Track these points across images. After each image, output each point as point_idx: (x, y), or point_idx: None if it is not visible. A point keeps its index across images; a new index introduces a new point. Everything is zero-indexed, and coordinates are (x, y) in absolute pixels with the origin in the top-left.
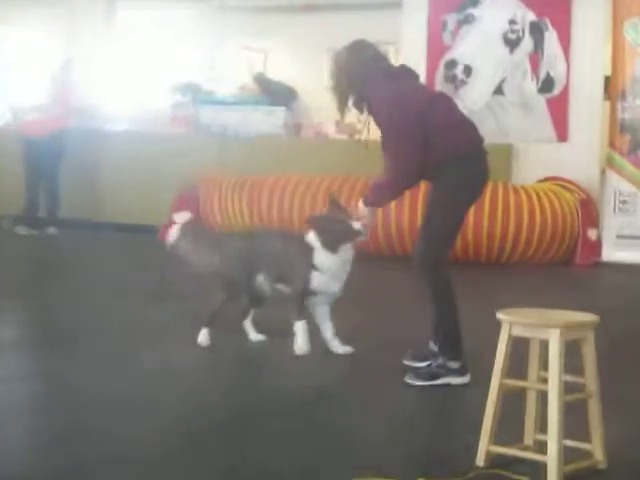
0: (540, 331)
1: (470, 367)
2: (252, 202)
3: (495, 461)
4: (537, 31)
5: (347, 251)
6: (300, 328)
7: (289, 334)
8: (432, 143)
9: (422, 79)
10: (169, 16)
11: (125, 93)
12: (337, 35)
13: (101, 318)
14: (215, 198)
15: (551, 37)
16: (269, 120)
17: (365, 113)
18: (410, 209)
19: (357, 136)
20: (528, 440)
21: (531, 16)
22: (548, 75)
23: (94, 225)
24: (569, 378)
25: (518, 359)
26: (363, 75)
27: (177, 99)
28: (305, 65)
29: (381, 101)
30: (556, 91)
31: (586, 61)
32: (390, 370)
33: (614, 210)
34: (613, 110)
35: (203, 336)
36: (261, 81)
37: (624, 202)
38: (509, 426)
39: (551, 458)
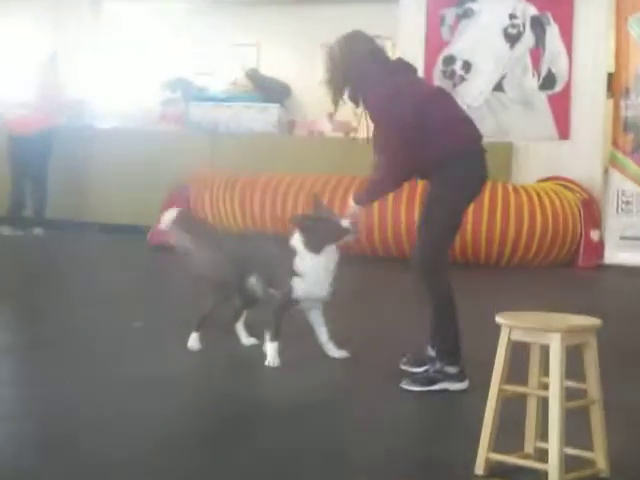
0: (541, 335)
1: (469, 372)
2: (244, 202)
3: (494, 469)
4: (538, 26)
5: (332, 253)
6: (272, 348)
7: (281, 338)
8: (430, 140)
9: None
10: (158, 9)
11: (113, 89)
12: (332, 29)
13: (87, 322)
14: (206, 198)
15: (553, 32)
16: (262, 117)
17: (361, 107)
18: (407, 209)
19: (353, 134)
20: (528, 448)
21: (532, 10)
22: (549, 71)
23: (81, 226)
24: (571, 384)
25: (518, 364)
26: (359, 68)
27: (167, 95)
28: (299, 60)
29: (377, 95)
30: (558, 88)
31: (589, 57)
32: (386, 375)
33: (617, 210)
34: (616, 108)
35: (193, 340)
36: (254, 77)
37: (627, 202)
38: (509, 433)
39: (552, 466)
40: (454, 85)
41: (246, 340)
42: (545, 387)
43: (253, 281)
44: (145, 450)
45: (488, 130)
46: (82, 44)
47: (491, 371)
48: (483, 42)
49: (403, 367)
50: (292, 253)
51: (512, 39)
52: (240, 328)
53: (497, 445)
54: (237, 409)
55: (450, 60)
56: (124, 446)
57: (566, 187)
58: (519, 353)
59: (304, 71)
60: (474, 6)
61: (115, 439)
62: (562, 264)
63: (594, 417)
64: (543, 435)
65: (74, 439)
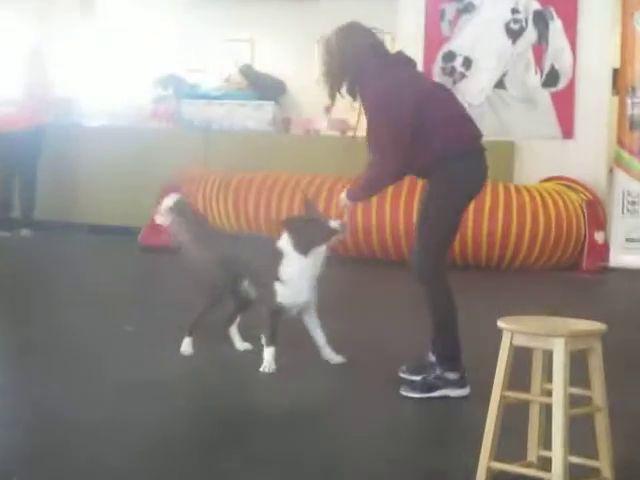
0: (544, 341)
1: (470, 379)
2: (238, 202)
3: (496, 478)
4: (541, 21)
5: (319, 255)
6: (268, 353)
7: (279, 343)
8: (428, 138)
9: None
10: (149, 3)
11: (102, 86)
12: (329, 24)
13: (76, 326)
14: (199, 198)
15: (556, 27)
16: (256, 115)
17: (358, 102)
18: (405, 211)
19: (352, 133)
20: (531, 456)
21: (535, 5)
22: (553, 68)
23: (70, 227)
24: (575, 390)
25: (520, 370)
26: (357, 60)
27: (158, 93)
28: (295, 56)
29: (375, 89)
30: (561, 85)
31: (593, 53)
32: (385, 382)
33: (622, 212)
34: (622, 105)
35: (186, 345)
36: (248, 73)
37: (633, 203)
38: (511, 441)
39: (556, 475)
40: (454, 82)
41: (240, 345)
42: (548, 394)
43: (246, 284)
44: (137, 456)
45: (489, 129)
46: (72, 41)
47: (493, 377)
48: (484, 38)
49: (402, 375)
50: (279, 256)
51: (514, 34)
52: (234, 332)
53: (499, 453)
54: (231, 415)
55: (450, 56)
56: (115, 452)
57: (570, 187)
58: (521, 359)
59: (300, 67)
60: (475, 0)
61: (106, 444)
62: (565, 267)
63: (599, 425)
64: (546, 443)
65: (64, 445)
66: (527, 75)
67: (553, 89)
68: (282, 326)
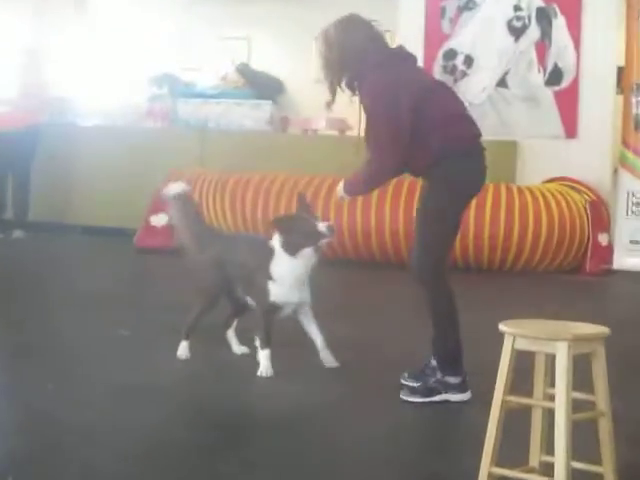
0: (546, 344)
1: (471, 383)
2: (235, 203)
3: None
4: (544, 18)
5: (309, 256)
6: (264, 356)
7: (273, 346)
8: (427, 136)
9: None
10: (144, 2)
11: (97, 85)
12: (327, 22)
13: (70, 329)
14: (195, 198)
15: (560, 25)
16: (253, 114)
17: (357, 96)
18: (405, 213)
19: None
20: (533, 462)
21: (538, 1)
22: (556, 66)
23: (63, 228)
24: (578, 395)
25: (522, 374)
26: (356, 52)
27: (153, 91)
28: (292, 55)
29: (373, 85)
30: (564, 83)
31: (597, 51)
32: (385, 386)
33: (627, 213)
34: (626, 104)
35: (183, 349)
36: (244, 72)
37: (638, 204)
38: (513, 446)
39: None
40: (455, 80)
41: (237, 348)
42: (551, 398)
43: (237, 288)
44: (133, 460)
45: (491, 128)
46: (65, 38)
47: (494, 381)
48: (486, 35)
49: (404, 381)
50: (271, 254)
51: (517, 32)
52: (231, 336)
53: (500, 459)
54: (228, 419)
55: (451, 54)
56: (111, 455)
57: (573, 188)
58: (524, 363)
59: (298, 66)
60: None
61: (102, 448)
62: (568, 269)
63: (602, 430)
64: (549, 448)
65: (59, 447)
66: (530, 73)
67: (556, 88)
68: (280, 329)
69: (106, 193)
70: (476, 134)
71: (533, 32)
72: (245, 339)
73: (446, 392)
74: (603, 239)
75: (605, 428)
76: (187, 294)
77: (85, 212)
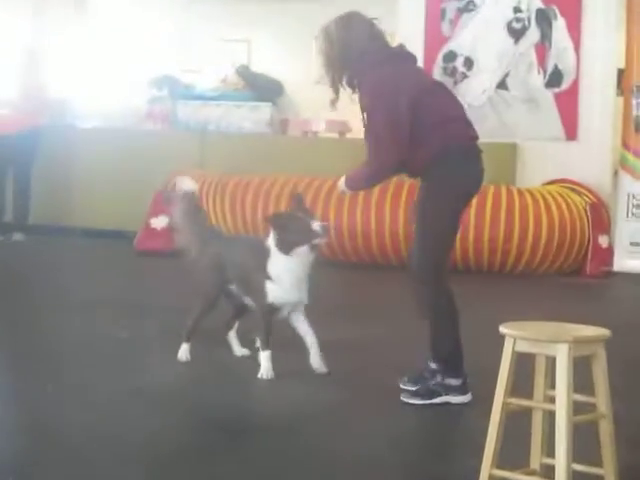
0: (547, 347)
1: (471, 385)
2: (235, 205)
3: None
4: (544, 20)
5: (304, 255)
6: (264, 358)
7: (274, 348)
8: (425, 135)
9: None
10: (144, 3)
11: (96, 87)
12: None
13: (69, 332)
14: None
15: (560, 26)
16: (253, 116)
17: (357, 94)
18: (406, 215)
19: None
20: (534, 464)
21: (538, 3)
22: (556, 68)
23: (64, 230)
24: (578, 397)
25: (523, 377)
26: (356, 49)
27: (153, 93)
28: (292, 56)
29: (372, 83)
30: (565, 85)
31: (598, 53)
32: (385, 388)
33: (627, 215)
34: (627, 106)
35: (183, 351)
36: (244, 74)
37: (638, 206)
38: (513, 449)
39: None
40: (455, 83)
41: (238, 350)
42: (552, 400)
43: (235, 289)
44: (133, 463)
45: (491, 130)
46: (64, 40)
47: (495, 383)
48: (486, 37)
49: (403, 386)
50: (267, 254)
51: (516, 34)
52: (233, 338)
53: (501, 461)
54: (228, 421)
55: (451, 56)
56: (111, 459)
57: (573, 190)
58: (524, 365)
59: (297, 68)
60: None
61: (101, 452)
62: (569, 271)
63: (603, 432)
64: (549, 450)
65: (59, 451)
66: (530, 75)
67: (556, 90)
68: (282, 330)
69: (106, 195)
70: (473, 136)
71: (533, 34)
72: (247, 341)
73: (447, 394)
74: (603, 241)
75: (606, 430)
76: (187, 296)
77: (85, 215)
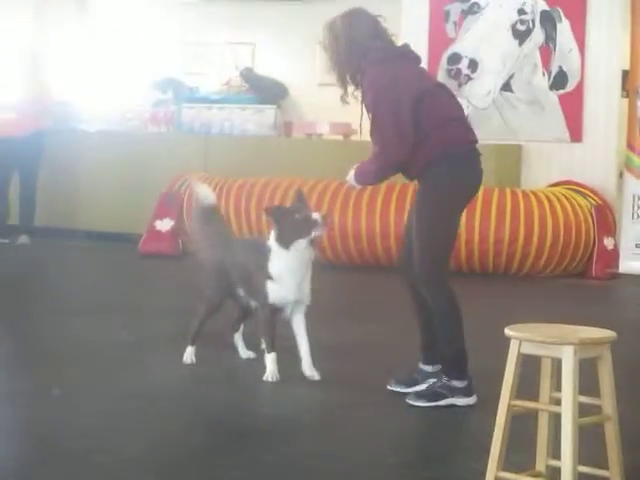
0: (552, 349)
1: (477, 387)
2: (239, 208)
3: None
4: (549, 21)
5: (303, 249)
6: (270, 360)
7: (280, 351)
8: (425, 136)
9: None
10: (148, 5)
11: (100, 90)
12: None
13: (75, 335)
14: None
15: (564, 28)
16: (257, 119)
17: (359, 90)
18: (398, 218)
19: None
20: (540, 466)
21: (542, 5)
22: (561, 69)
23: (68, 233)
24: (584, 399)
25: (529, 379)
26: (361, 45)
27: (157, 96)
28: (296, 59)
29: (374, 80)
30: (569, 87)
31: (602, 54)
32: (389, 391)
33: (632, 217)
34: (632, 107)
35: (188, 354)
36: (248, 77)
37: None
38: (519, 451)
39: None
40: (460, 85)
41: (244, 353)
42: (557, 402)
43: (241, 292)
44: (139, 465)
45: (496, 132)
46: (68, 43)
47: (500, 385)
48: (490, 39)
49: (390, 387)
50: (268, 253)
51: (521, 36)
52: (238, 340)
53: (507, 463)
54: (234, 424)
55: (455, 58)
56: (117, 461)
57: (578, 192)
58: (530, 367)
59: (301, 71)
60: (480, 1)
61: (108, 454)
62: (574, 273)
63: (609, 434)
64: (555, 453)
65: (65, 454)
66: (534, 77)
67: (561, 91)
68: (288, 333)
69: (110, 198)
70: (472, 140)
71: (537, 36)
72: (252, 343)
73: (452, 396)
74: (609, 243)
75: (611, 432)
76: (192, 299)
77: (89, 217)
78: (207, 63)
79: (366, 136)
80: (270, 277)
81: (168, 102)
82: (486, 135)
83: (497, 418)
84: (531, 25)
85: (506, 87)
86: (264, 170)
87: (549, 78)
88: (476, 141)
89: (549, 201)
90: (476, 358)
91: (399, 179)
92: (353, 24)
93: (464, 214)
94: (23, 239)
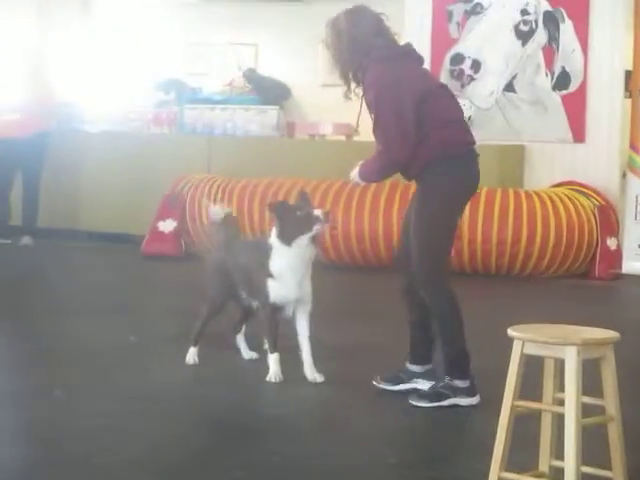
0: (555, 349)
1: (480, 388)
2: (242, 209)
3: None
4: (552, 22)
5: (304, 246)
6: (273, 361)
7: (283, 351)
8: (425, 137)
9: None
10: (151, 6)
11: (103, 91)
12: None
13: (78, 336)
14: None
15: (567, 28)
16: (260, 120)
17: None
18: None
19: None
20: (543, 466)
21: (545, 5)
22: (563, 70)
23: (71, 234)
24: (587, 400)
25: (532, 379)
26: (364, 42)
27: (160, 97)
28: (299, 60)
29: (376, 78)
30: (572, 87)
31: (605, 54)
32: (393, 391)
33: (635, 217)
34: (635, 108)
35: (191, 355)
36: (251, 77)
37: None
38: (522, 451)
39: None
40: (462, 85)
41: (246, 353)
42: (560, 403)
43: (243, 293)
44: (142, 467)
45: (499, 132)
46: (71, 44)
47: (503, 386)
48: (493, 39)
49: (376, 383)
50: (269, 251)
51: (524, 36)
52: (241, 341)
53: (510, 463)
54: (236, 425)
55: (458, 59)
56: (119, 462)
57: (581, 192)
58: (533, 367)
59: (304, 71)
60: (483, 1)
61: (110, 455)
62: (577, 274)
63: (612, 434)
64: (558, 453)
65: (68, 455)
66: (537, 77)
67: (564, 92)
68: (291, 333)
69: (113, 199)
70: (470, 141)
71: (540, 36)
72: (255, 344)
73: (455, 396)
74: (612, 243)
75: (615, 433)
76: (194, 300)
77: (92, 218)
78: (210, 64)
79: (366, 136)
80: (271, 275)
81: (171, 103)
82: (489, 135)
83: (500, 418)
84: (534, 25)
85: (509, 87)
86: (267, 171)
87: (552, 78)
88: (474, 142)
89: (552, 201)
90: (479, 358)
91: (402, 179)
92: (356, 22)
93: (467, 214)
94: (26, 240)
